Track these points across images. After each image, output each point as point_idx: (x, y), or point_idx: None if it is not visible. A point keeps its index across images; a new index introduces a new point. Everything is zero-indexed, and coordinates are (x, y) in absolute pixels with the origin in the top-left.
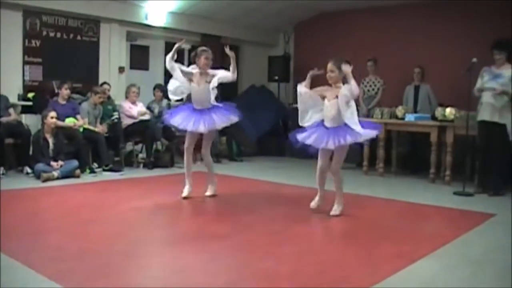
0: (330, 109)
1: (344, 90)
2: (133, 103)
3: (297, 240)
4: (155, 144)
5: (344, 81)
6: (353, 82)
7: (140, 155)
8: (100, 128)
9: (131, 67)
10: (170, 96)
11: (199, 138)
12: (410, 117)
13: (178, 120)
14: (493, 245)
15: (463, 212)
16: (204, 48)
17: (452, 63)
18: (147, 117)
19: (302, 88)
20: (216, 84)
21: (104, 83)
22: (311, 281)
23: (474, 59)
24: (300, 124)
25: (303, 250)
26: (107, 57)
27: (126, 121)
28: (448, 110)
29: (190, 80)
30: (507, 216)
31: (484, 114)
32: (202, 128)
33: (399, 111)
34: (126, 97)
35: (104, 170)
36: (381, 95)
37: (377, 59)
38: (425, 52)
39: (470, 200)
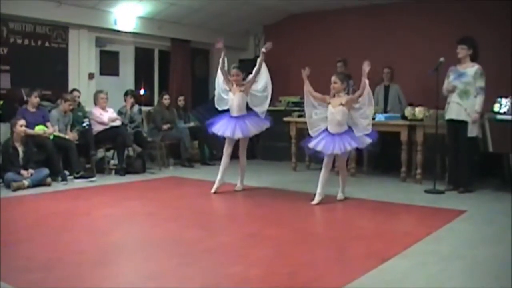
0: (336, 115)
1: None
2: (104, 109)
3: (269, 242)
4: (127, 150)
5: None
6: (365, 80)
7: (112, 162)
8: (71, 136)
9: (101, 73)
10: (216, 106)
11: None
12: (380, 117)
13: (218, 128)
14: (463, 241)
15: (434, 209)
16: (233, 65)
17: (421, 63)
18: (118, 123)
19: (306, 91)
20: (260, 84)
21: (74, 89)
22: (283, 283)
23: (442, 59)
24: (310, 133)
25: (275, 252)
26: (76, 64)
27: (97, 128)
28: (417, 109)
29: (229, 89)
30: (477, 212)
31: (451, 113)
32: (238, 134)
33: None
34: (95, 104)
35: (75, 177)
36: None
37: (347, 60)
38: (394, 53)
39: (441, 197)
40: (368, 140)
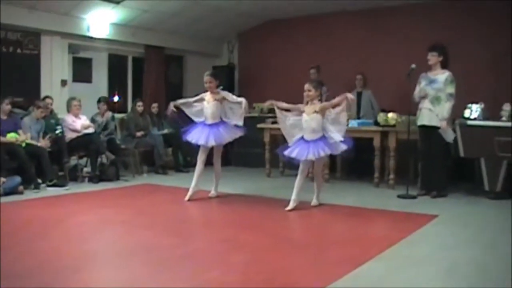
0: (310, 123)
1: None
2: (76, 116)
3: (244, 248)
4: (100, 157)
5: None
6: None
7: (85, 169)
8: (43, 143)
9: (74, 80)
10: (194, 119)
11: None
12: (353, 123)
13: (192, 135)
14: (436, 245)
15: (407, 214)
16: (207, 72)
17: (393, 69)
18: (91, 130)
19: (279, 114)
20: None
21: (46, 97)
22: None
23: (413, 65)
24: (289, 144)
25: (251, 258)
26: (48, 70)
27: (70, 135)
28: (390, 115)
29: (203, 100)
30: (450, 216)
31: (423, 118)
32: (212, 142)
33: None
34: (68, 111)
35: (48, 185)
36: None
37: (320, 67)
38: (367, 59)
39: (413, 202)
40: (343, 147)
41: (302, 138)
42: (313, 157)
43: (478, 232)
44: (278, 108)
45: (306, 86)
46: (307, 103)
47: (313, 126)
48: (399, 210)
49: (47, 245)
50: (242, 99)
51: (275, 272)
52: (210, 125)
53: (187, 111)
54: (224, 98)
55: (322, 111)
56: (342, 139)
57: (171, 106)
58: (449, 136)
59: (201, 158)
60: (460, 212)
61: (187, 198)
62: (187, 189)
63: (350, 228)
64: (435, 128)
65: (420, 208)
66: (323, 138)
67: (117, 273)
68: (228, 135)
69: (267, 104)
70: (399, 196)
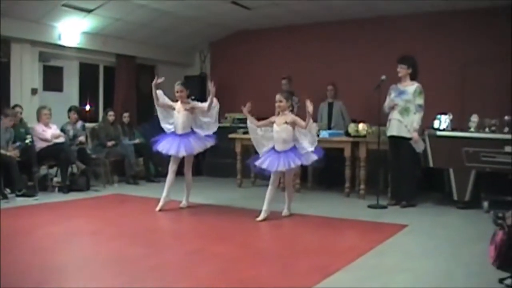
0: (281, 133)
1: (309, 126)
2: (46, 125)
3: (213, 259)
4: (70, 167)
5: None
6: (311, 121)
7: (55, 179)
8: (12, 152)
9: (45, 89)
10: (165, 127)
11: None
12: (324, 134)
13: (163, 145)
14: (405, 255)
15: (377, 224)
16: (177, 82)
17: (364, 80)
18: (61, 139)
19: (250, 125)
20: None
21: (16, 105)
22: None
23: (383, 77)
24: (259, 153)
25: (220, 269)
26: (18, 79)
27: (40, 144)
28: (360, 126)
29: (173, 109)
30: (419, 226)
31: (393, 129)
32: (182, 152)
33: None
34: (38, 120)
35: (17, 195)
36: (296, 112)
37: (291, 77)
38: (338, 70)
39: (383, 212)
40: (314, 157)
41: (273, 148)
42: (283, 168)
43: (444, 242)
44: (252, 124)
45: (277, 97)
46: (278, 113)
47: (283, 137)
48: (369, 220)
49: (14, 257)
50: (214, 101)
51: (244, 283)
52: (181, 135)
53: (159, 101)
54: (194, 108)
55: (292, 123)
56: (313, 149)
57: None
58: (418, 146)
59: (172, 168)
60: (429, 222)
61: (158, 208)
62: (158, 199)
63: (320, 238)
64: (404, 139)
65: (390, 218)
66: (294, 148)
67: (86, 285)
68: (198, 146)
69: (245, 108)
70: (369, 206)
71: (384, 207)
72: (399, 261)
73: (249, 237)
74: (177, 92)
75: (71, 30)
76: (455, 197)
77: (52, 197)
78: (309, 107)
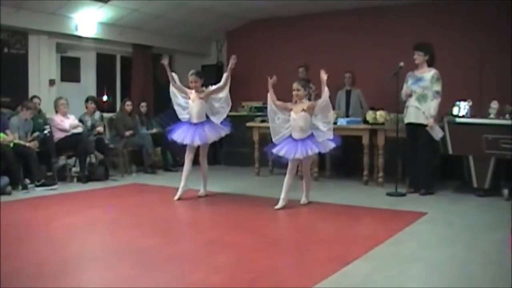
0: (298, 121)
1: (325, 95)
2: (64, 116)
3: (230, 249)
4: (89, 157)
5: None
6: (326, 89)
7: (74, 169)
8: (31, 143)
9: (62, 80)
10: (181, 117)
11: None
12: (342, 122)
13: (178, 135)
14: (422, 244)
15: (396, 212)
16: (191, 72)
17: (381, 68)
18: (79, 130)
19: (270, 105)
20: (219, 95)
21: (34, 96)
22: None
23: (401, 64)
24: (274, 140)
25: (237, 258)
26: (36, 70)
27: (58, 135)
28: (378, 113)
29: (189, 97)
30: (437, 214)
31: (410, 116)
32: (197, 141)
33: (332, 115)
34: (56, 111)
35: (36, 186)
36: (313, 100)
37: (309, 65)
38: (355, 58)
39: (402, 200)
40: (332, 145)
41: (290, 136)
42: (301, 156)
43: (462, 230)
44: (272, 99)
45: (295, 85)
46: (295, 102)
47: (301, 125)
48: (388, 208)
49: (33, 247)
50: (227, 75)
51: (261, 272)
52: (196, 124)
53: (176, 83)
54: (208, 95)
55: (309, 110)
56: (330, 137)
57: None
58: (436, 133)
59: (188, 157)
60: (447, 210)
61: (176, 197)
62: (176, 189)
63: (338, 227)
64: (422, 126)
65: (409, 206)
66: (311, 136)
67: (102, 275)
68: (213, 135)
69: (271, 80)
70: (388, 194)
71: (403, 194)
72: (417, 249)
73: (267, 226)
74: (191, 82)
75: (88, 21)
76: (475, 185)
77: (70, 187)
78: (323, 76)
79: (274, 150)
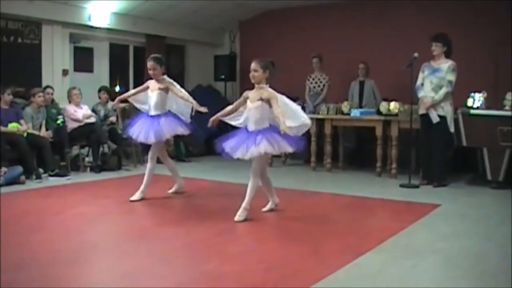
0: (254, 112)
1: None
2: (77, 105)
3: (243, 239)
4: (102, 147)
5: (268, 81)
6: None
7: (87, 159)
8: (45, 133)
9: (75, 70)
10: (141, 107)
11: None
12: (355, 113)
13: (134, 130)
14: (436, 235)
15: (409, 204)
16: (149, 57)
17: (395, 59)
18: (92, 120)
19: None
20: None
21: (47, 86)
22: (257, 280)
23: (416, 54)
24: (235, 125)
25: (249, 248)
26: (50, 60)
27: (71, 125)
28: (392, 104)
29: (147, 88)
30: (451, 206)
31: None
32: (151, 138)
33: (345, 106)
34: (69, 101)
35: (50, 175)
36: (327, 91)
37: (322, 56)
38: (369, 48)
39: (415, 192)
40: (289, 149)
41: (245, 128)
42: (241, 156)
43: (476, 223)
44: (229, 113)
45: (253, 65)
46: (254, 87)
47: (256, 117)
48: (401, 199)
49: (46, 236)
50: (192, 100)
51: (274, 263)
52: (152, 117)
53: (135, 102)
54: (169, 88)
55: (268, 101)
56: (293, 124)
57: (116, 100)
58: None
59: (160, 152)
60: (461, 202)
61: (133, 198)
62: (188, 179)
63: (351, 218)
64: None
65: (422, 197)
66: (268, 130)
67: (115, 264)
68: (167, 131)
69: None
70: (401, 186)
71: (416, 186)
72: (430, 241)
73: (278, 217)
74: (149, 69)
75: (101, 11)
76: (489, 177)
77: (84, 177)
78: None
79: (224, 144)
